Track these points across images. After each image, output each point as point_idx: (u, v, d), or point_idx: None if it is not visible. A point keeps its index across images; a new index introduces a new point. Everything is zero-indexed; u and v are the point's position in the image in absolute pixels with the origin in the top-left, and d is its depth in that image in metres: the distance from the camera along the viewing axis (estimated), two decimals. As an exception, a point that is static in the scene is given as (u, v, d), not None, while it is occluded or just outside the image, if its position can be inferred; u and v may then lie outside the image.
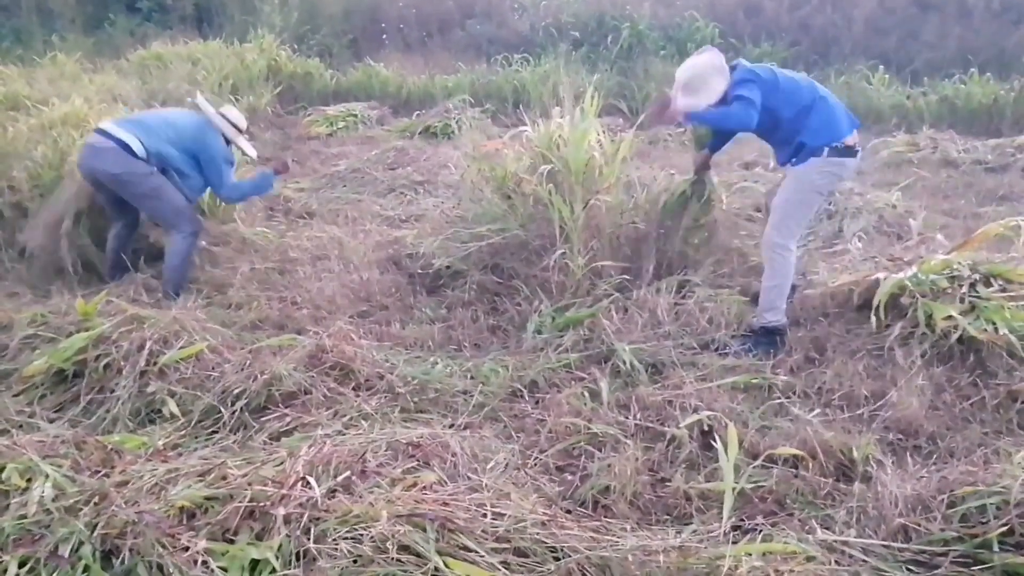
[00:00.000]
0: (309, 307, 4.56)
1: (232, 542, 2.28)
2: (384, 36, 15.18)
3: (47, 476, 2.51)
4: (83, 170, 4.81)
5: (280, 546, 2.22)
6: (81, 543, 2.24)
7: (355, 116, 11.15)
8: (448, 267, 5.03)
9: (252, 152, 5.47)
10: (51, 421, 3.30)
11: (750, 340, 4.10)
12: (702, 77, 4.11)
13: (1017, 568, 2.24)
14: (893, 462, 2.98)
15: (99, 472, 2.66)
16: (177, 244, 4.83)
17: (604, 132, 5.34)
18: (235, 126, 5.19)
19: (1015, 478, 2.47)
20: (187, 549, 2.20)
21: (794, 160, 4.10)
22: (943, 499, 2.51)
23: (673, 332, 4.14)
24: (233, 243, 5.66)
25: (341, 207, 7.02)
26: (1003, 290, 3.89)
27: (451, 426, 3.27)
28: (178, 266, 4.83)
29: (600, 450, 3.12)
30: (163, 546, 2.21)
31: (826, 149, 4.00)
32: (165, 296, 4.66)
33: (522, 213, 4.91)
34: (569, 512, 2.72)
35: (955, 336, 3.67)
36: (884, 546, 2.41)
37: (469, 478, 2.67)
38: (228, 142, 5.15)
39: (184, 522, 2.36)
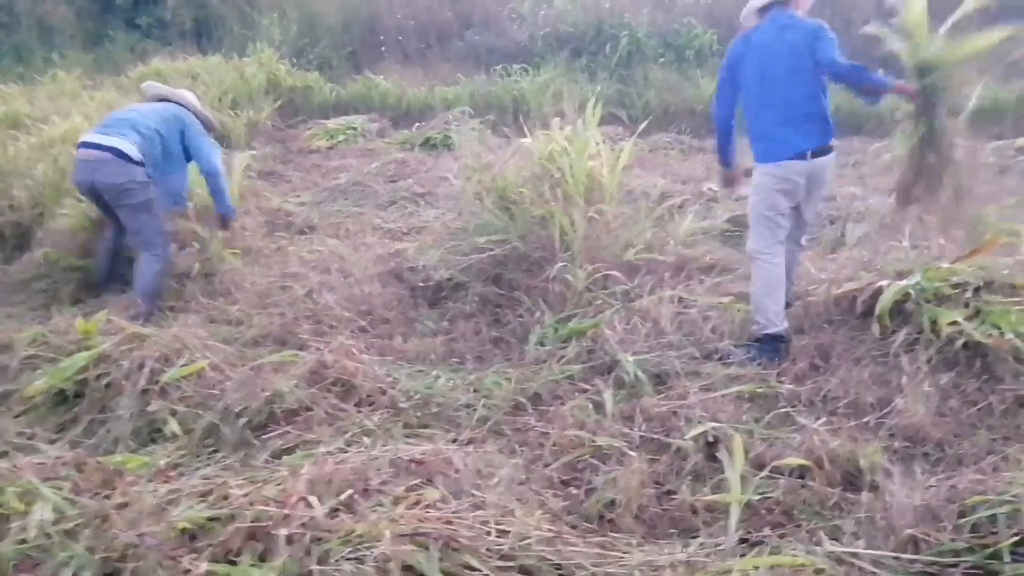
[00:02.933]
0: (310, 322, 4.54)
1: (234, 564, 2.26)
2: (383, 48, 15.19)
3: (47, 499, 2.49)
4: (81, 185, 4.81)
5: (283, 567, 2.20)
6: (81, 567, 2.22)
7: (355, 129, 11.15)
8: (450, 279, 5.02)
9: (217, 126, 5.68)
10: (51, 442, 3.27)
11: (753, 348, 4.07)
12: None
13: (1029, 578, 2.21)
14: (901, 471, 2.94)
15: (100, 494, 2.63)
16: (151, 264, 4.82)
17: (604, 141, 5.34)
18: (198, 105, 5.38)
19: (1025, 486, 2.45)
20: (189, 572, 2.18)
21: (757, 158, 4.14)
22: (953, 508, 2.48)
23: (676, 342, 4.11)
24: (234, 258, 5.65)
25: (342, 220, 7.01)
26: (1008, 295, 3.86)
27: (454, 441, 3.24)
28: (146, 288, 4.79)
29: (605, 463, 3.09)
30: (165, 569, 2.18)
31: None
32: (136, 313, 4.51)
33: (523, 224, 4.89)
34: (574, 527, 2.70)
35: (960, 341, 3.64)
36: (894, 557, 2.38)
37: (472, 495, 2.64)
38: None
39: (186, 544, 2.33)
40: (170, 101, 5.30)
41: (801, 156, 4.03)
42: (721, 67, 4.25)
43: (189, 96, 5.44)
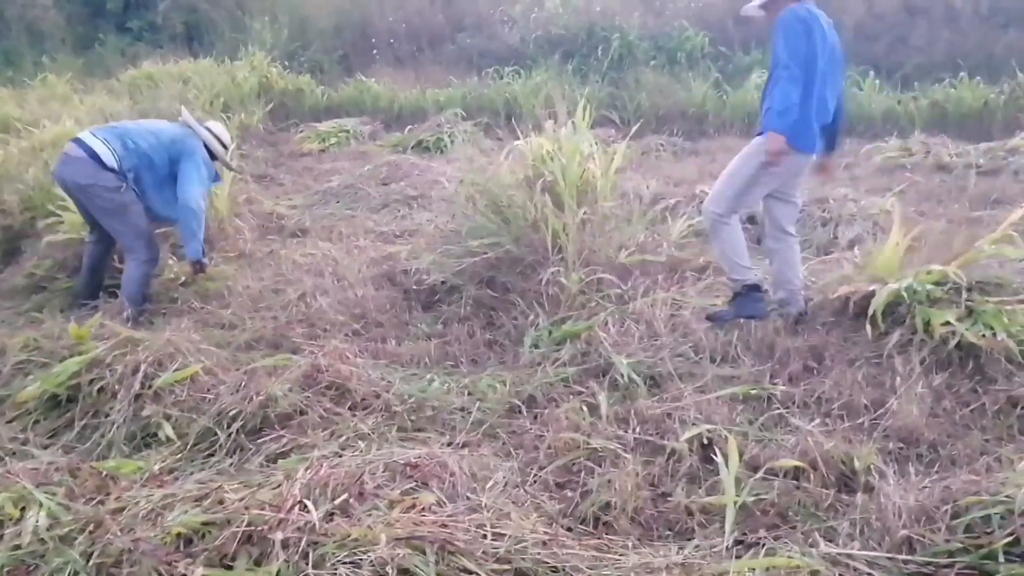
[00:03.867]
0: (304, 325, 4.53)
1: (230, 568, 2.25)
2: (375, 51, 15.20)
3: (41, 505, 2.48)
4: (57, 179, 4.82)
5: (278, 572, 2.19)
6: (76, 573, 2.21)
7: (347, 132, 11.17)
8: (443, 282, 5.01)
9: (233, 166, 5.47)
10: (45, 447, 3.26)
11: (737, 306, 4.22)
12: None
13: (1023, 579, 2.22)
14: (895, 471, 2.95)
15: (94, 499, 2.63)
16: (132, 270, 4.81)
17: (596, 144, 5.34)
18: (220, 141, 5.17)
19: (1019, 486, 2.45)
20: (184, 577, 2.18)
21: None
22: (947, 509, 2.49)
23: (670, 344, 4.11)
24: (227, 262, 5.64)
25: (335, 223, 7.01)
26: (1000, 295, 3.88)
27: (449, 444, 3.24)
28: (133, 295, 4.77)
29: (600, 465, 3.09)
30: (160, 574, 2.18)
31: None
32: (124, 317, 4.51)
33: (516, 227, 4.89)
34: (570, 530, 2.70)
35: (953, 342, 3.66)
36: (889, 558, 2.38)
37: (468, 498, 2.65)
38: (213, 157, 5.12)
39: (181, 549, 2.32)
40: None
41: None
42: (800, 31, 3.98)
43: (217, 129, 5.30)
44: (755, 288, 4.26)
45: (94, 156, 4.63)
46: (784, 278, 4.38)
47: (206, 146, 5.14)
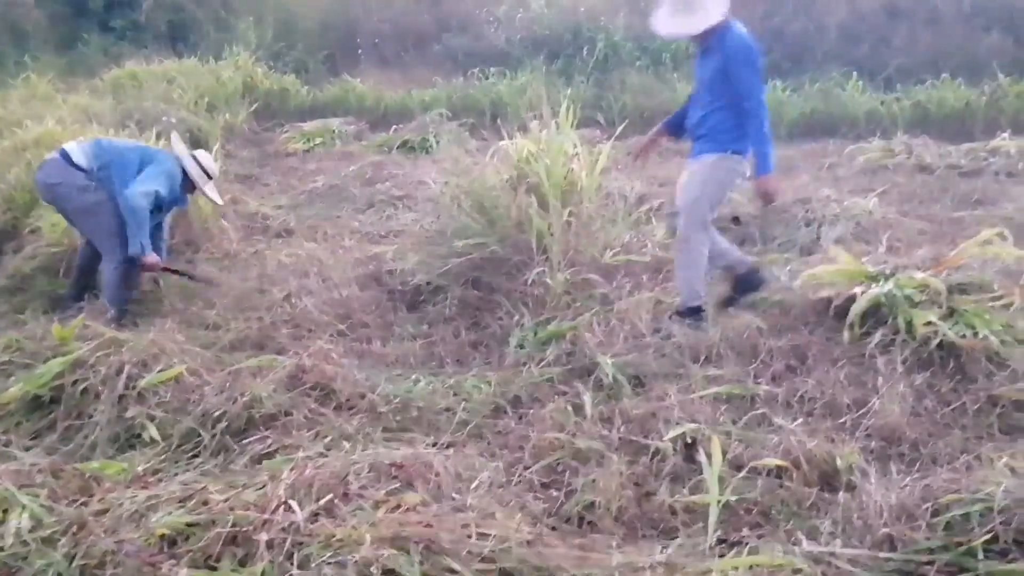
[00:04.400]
0: (289, 326, 4.52)
1: (215, 569, 2.25)
2: (360, 51, 15.19)
3: (23, 506, 2.47)
4: (36, 185, 4.81)
5: (263, 572, 2.20)
6: (59, 575, 2.20)
7: (332, 132, 11.15)
8: (428, 283, 5.01)
9: (219, 199, 5.42)
10: (27, 449, 3.23)
11: (686, 320, 4.34)
12: (703, 3, 4.13)
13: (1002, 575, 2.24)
14: (877, 470, 2.97)
15: (77, 501, 2.62)
16: (109, 273, 4.78)
17: (581, 144, 5.36)
18: (206, 172, 5.13)
19: (998, 485, 2.48)
20: (168, 578, 2.17)
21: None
22: (927, 507, 2.51)
23: (655, 344, 4.13)
24: (211, 262, 5.63)
25: (319, 224, 6.99)
26: (981, 294, 3.93)
27: (434, 445, 3.24)
28: (113, 296, 4.75)
29: (584, 465, 3.09)
30: (144, 576, 2.18)
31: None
32: (107, 318, 4.48)
33: (501, 228, 4.90)
34: (555, 529, 2.71)
35: (935, 342, 3.69)
36: (870, 556, 2.40)
37: (453, 498, 2.65)
38: (192, 189, 5.11)
39: (165, 550, 2.32)
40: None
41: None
42: (757, 59, 4.19)
43: (204, 160, 5.19)
44: (701, 309, 4.40)
45: (65, 155, 4.64)
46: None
47: (186, 173, 5.08)
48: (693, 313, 4.39)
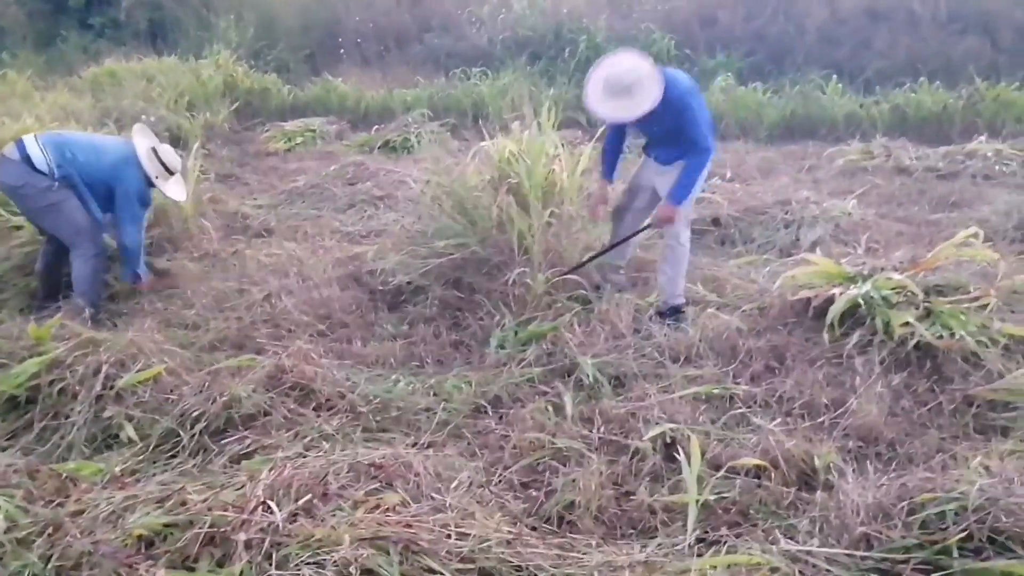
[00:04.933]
0: (268, 326, 4.50)
1: (192, 570, 2.25)
2: (342, 51, 15.12)
3: (-1, 507, 2.45)
4: None
5: (241, 573, 2.19)
6: (35, 576, 2.19)
7: (313, 131, 11.09)
8: (409, 283, 5.00)
9: (180, 196, 5.32)
10: (3, 449, 3.22)
11: (668, 320, 4.46)
12: (641, 84, 4.15)
13: (976, 574, 2.27)
14: (854, 470, 3.00)
15: (53, 502, 2.61)
16: (79, 268, 4.74)
17: (563, 145, 5.36)
18: (166, 167, 5.06)
19: (972, 484, 2.51)
20: (145, 579, 2.16)
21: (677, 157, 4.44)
22: (903, 506, 2.54)
23: (635, 344, 4.15)
24: (191, 262, 5.59)
25: (300, 223, 6.96)
26: (957, 295, 3.97)
27: (414, 445, 3.24)
28: (85, 291, 4.72)
29: (564, 465, 3.11)
30: (120, 577, 2.16)
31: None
32: (85, 316, 4.40)
33: (482, 228, 4.90)
34: (534, 529, 2.72)
35: (912, 342, 3.73)
36: (847, 555, 2.43)
37: (433, 498, 2.65)
38: (151, 184, 5.03)
39: (142, 551, 2.31)
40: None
41: None
42: (700, 104, 4.38)
43: (166, 156, 5.10)
44: (682, 307, 4.58)
45: (27, 159, 4.57)
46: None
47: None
48: (675, 312, 4.50)
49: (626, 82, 4.13)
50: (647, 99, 4.10)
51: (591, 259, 4.76)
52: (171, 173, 5.13)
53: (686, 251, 4.57)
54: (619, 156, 4.80)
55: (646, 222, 4.72)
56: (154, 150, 5.02)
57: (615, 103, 4.17)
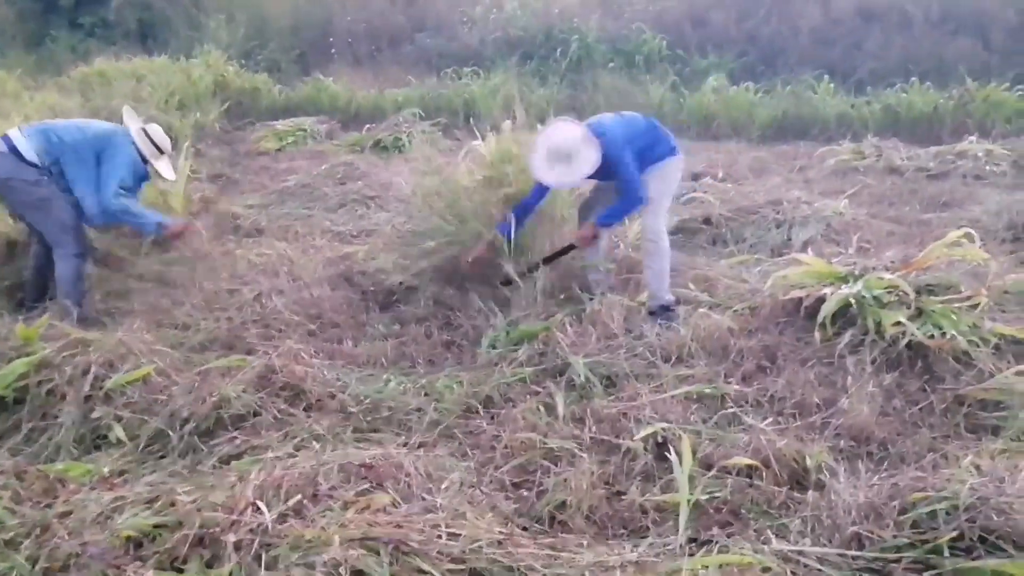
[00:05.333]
0: (259, 326, 4.48)
1: (181, 571, 2.24)
2: (333, 50, 15.10)
3: (-14, 509, 2.44)
4: None
5: (231, 574, 2.18)
6: (22, 578, 2.17)
7: (304, 131, 11.06)
8: (400, 283, 4.99)
9: (171, 175, 5.29)
10: (-9, 451, 3.20)
11: (659, 319, 4.49)
12: (578, 151, 4.41)
13: (967, 573, 2.27)
14: (845, 469, 3.00)
15: (41, 503, 2.59)
16: (62, 267, 4.70)
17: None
18: (156, 145, 5.06)
19: (963, 483, 2.51)
20: (133, 581, 2.15)
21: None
22: (895, 506, 2.54)
23: (626, 344, 4.14)
24: (181, 262, 5.56)
25: (291, 223, 6.94)
26: (948, 295, 3.98)
27: (405, 445, 3.23)
28: (68, 291, 4.66)
29: (556, 465, 3.10)
30: (108, 578, 2.15)
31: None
32: (75, 316, 4.42)
33: (474, 227, 4.88)
34: (525, 529, 2.71)
35: (904, 342, 3.73)
36: (839, 554, 2.43)
37: (423, 498, 2.64)
38: (145, 161, 5.03)
39: (131, 552, 2.30)
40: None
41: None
42: (627, 152, 4.53)
43: (155, 134, 5.12)
44: (672, 306, 4.64)
45: (14, 150, 4.54)
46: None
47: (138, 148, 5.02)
48: (665, 310, 4.54)
49: (565, 151, 4.41)
50: (585, 165, 4.40)
51: (546, 261, 4.77)
52: (161, 153, 5.14)
53: (665, 247, 4.65)
54: (529, 215, 4.84)
55: (569, 242, 4.81)
56: (144, 130, 5.04)
57: (559, 170, 4.44)
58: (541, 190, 4.70)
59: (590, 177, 4.58)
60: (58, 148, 4.67)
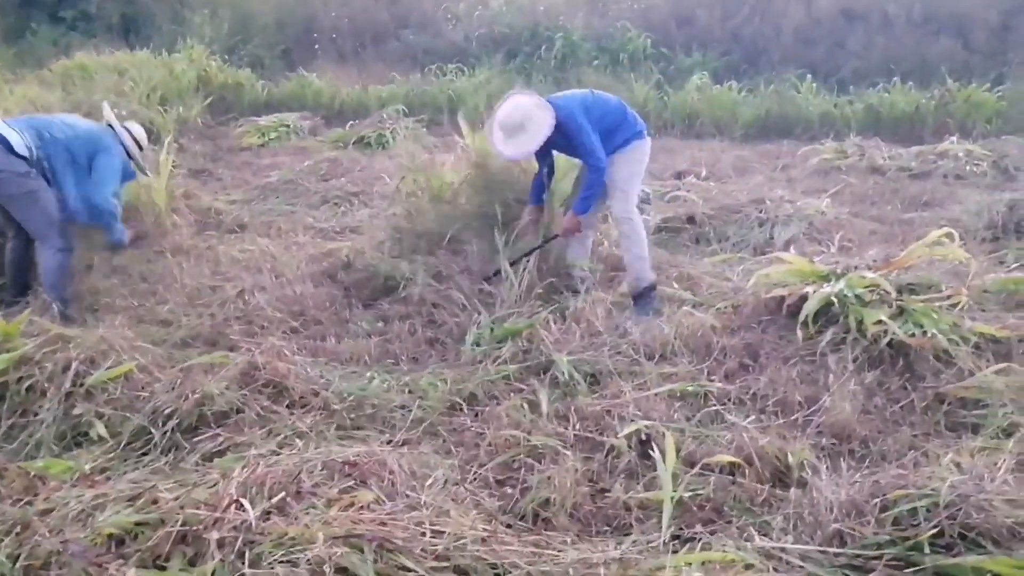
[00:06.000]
0: (241, 323, 4.47)
1: (164, 569, 2.22)
2: (317, 46, 15.05)
3: (-35, 506, 2.41)
4: None
5: (214, 572, 2.16)
6: (2, 576, 2.15)
7: (287, 127, 11.03)
8: (384, 280, 4.97)
9: (151, 170, 5.37)
10: (-31, 448, 3.17)
11: (642, 307, 4.61)
12: (530, 118, 4.43)
13: (948, 570, 2.29)
14: (827, 467, 3.01)
15: (21, 500, 2.56)
16: (47, 261, 4.68)
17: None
18: (137, 142, 5.11)
19: (943, 480, 2.53)
20: (115, 578, 2.13)
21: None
22: (876, 503, 2.55)
23: (610, 342, 4.14)
24: (163, 257, 5.53)
25: (274, 219, 6.91)
26: (929, 294, 4.01)
27: (389, 443, 3.22)
28: (54, 284, 4.65)
29: (540, 462, 3.10)
30: (90, 576, 2.13)
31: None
32: (55, 312, 4.41)
33: (458, 225, 4.89)
34: (509, 527, 2.70)
35: (885, 341, 3.75)
36: (820, 551, 2.44)
37: (407, 496, 2.64)
38: (129, 156, 5.06)
39: (112, 550, 2.28)
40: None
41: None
42: (585, 122, 4.56)
43: (136, 132, 5.27)
44: (654, 286, 4.75)
45: (4, 142, 4.51)
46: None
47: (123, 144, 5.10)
48: (649, 292, 4.69)
49: (517, 120, 4.43)
50: (540, 130, 4.41)
51: (528, 253, 4.78)
52: (141, 149, 5.24)
53: (640, 230, 4.71)
54: (546, 183, 4.89)
55: (553, 232, 4.85)
56: (127, 129, 5.12)
57: (515, 141, 4.45)
58: (543, 167, 4.78)
59: (551, 148, 4.62)
60: (51, 144, 4.66)
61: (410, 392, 3.75)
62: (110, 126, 5.12)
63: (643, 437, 3.21)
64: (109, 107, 5.29)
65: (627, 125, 4.75)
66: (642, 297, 4.68)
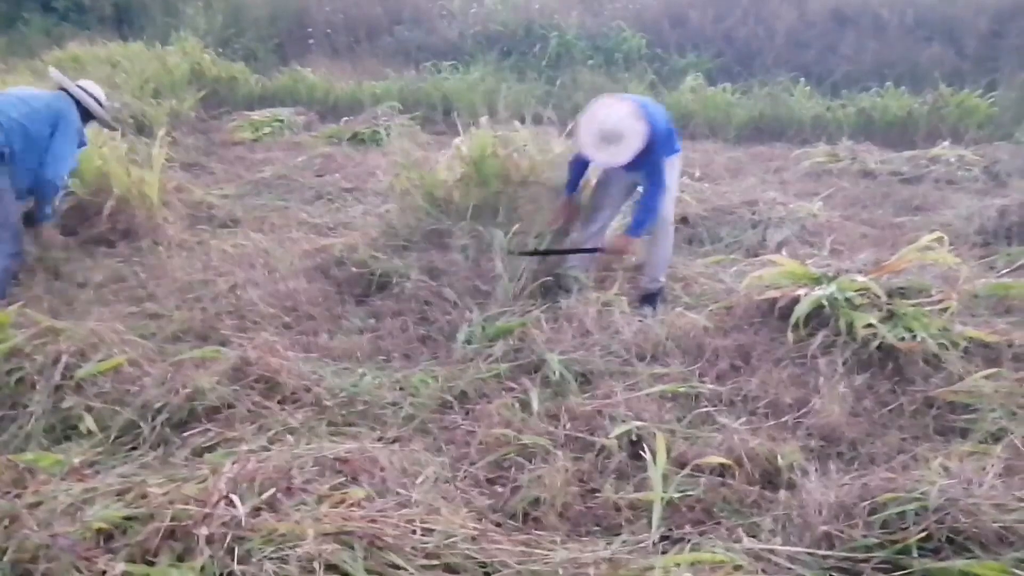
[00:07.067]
0: (233, 318, 4.45)
1: (152, 564, 2.21)
2: (311, 41, 15.00)
3: (-47, 499, 2.40)
4: None
5: (203, 567, 2.16)
6: (-10, 569, 2.14)
7: (281, 122, 10.98)
8: (377, 276, 4.97)
9: (114, 125, 5.41)
10: (-42, 440, 3.15)
11: (651, 303, 4.79)
12: (630, 128, 4.41)
13: (935, 573, 2.30)
14: (817, 469, 3.03)
15: (10, 493, 2.55)
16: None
17: (533, 141, 5.36)
18: (96, 99, 5.05)
19: (932, 484, 2.55)
20: (104, 573, 2.13)
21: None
22: (865, 506, 2.57)
23: (601, 342, 4.15)
24: (155, 252, 5.52)
25: (267, 214, 6.89)
26: (919, 298, 4.03)
27: (380, 440, 3.22)
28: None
29: (530, 461, 3.10)
30: (79, 571, 2.13)
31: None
32: None
33: (451, 222, 4.88)
34: (499, 525, 2.71)
35: (875, 344, 3.77)
36: (809, 553, 2.45)
37: (398, 493, 2.64)
38: (89, 118, 5.00)
39: (101, 544, 2.27)
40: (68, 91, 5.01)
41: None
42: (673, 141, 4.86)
43: (92, 89, 5.13)
44: (662, 290, 4.95)
45: None
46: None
47: (81, 106, 4.97)
48: (659, 293, 4.91)
49: (617, 128, 4.41)
50: (635, 141, 4.39)
51: (549, 252, 4.81)
52: (102, 105, 5.15)
53: (672, 230, 4.95)
54: (584, 173, 4.96)
55: (600, 245, 4.93)
56: (82, 87, 5.02)
57: (610, 149, 4.45)
58: (580, 166, 4.85)
59: (632, 172, 4.70)
60: (12, 129, 4.55)
61: (401, 389, 3.74)
62: (64, 90, 4.99)
63: (634, 437, 3.22)
64: (57, 71, 5.20)
65: (673, 138, 4.87)
66: (651, 297, 4.84)
